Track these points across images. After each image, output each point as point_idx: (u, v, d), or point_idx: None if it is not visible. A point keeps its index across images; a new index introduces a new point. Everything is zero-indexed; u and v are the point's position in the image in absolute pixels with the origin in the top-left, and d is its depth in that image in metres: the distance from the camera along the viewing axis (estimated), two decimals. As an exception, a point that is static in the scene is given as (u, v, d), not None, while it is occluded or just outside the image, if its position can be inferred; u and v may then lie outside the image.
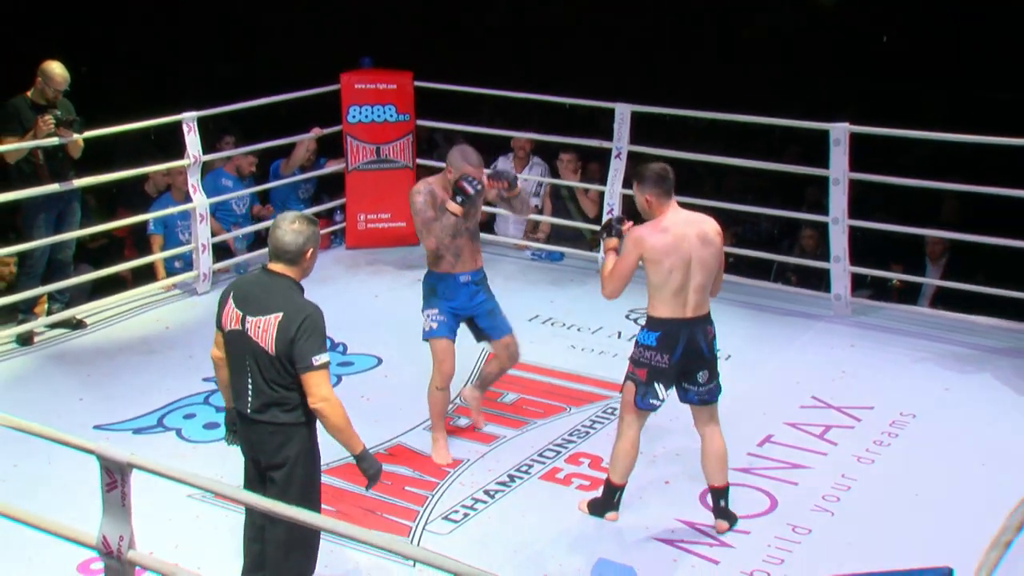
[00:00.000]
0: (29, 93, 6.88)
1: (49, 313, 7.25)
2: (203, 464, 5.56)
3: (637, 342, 5.08)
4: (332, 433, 4.04)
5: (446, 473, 5.52)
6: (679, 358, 4.98)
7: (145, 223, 8.11)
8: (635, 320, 7.52)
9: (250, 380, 3.98)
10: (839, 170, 7.40)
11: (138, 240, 8.47)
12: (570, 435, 5.93)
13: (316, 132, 8.67)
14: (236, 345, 4.01)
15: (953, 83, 12.25)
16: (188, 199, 7.82)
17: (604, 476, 5.47)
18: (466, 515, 5.17)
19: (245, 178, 8.58)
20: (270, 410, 3.98)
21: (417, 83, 8.85)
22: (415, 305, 7.09)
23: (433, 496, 5.32)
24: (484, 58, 12.89)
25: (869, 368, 6.78)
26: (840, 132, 7.36)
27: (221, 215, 8.52)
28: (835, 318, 7.54)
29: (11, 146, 6.75)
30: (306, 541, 4.13)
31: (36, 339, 7.06)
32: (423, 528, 5.04)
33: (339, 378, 6.55)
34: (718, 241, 4.99)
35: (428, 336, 5.64)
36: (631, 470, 5.15)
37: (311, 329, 3.92)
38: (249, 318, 3.95)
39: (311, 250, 4.04)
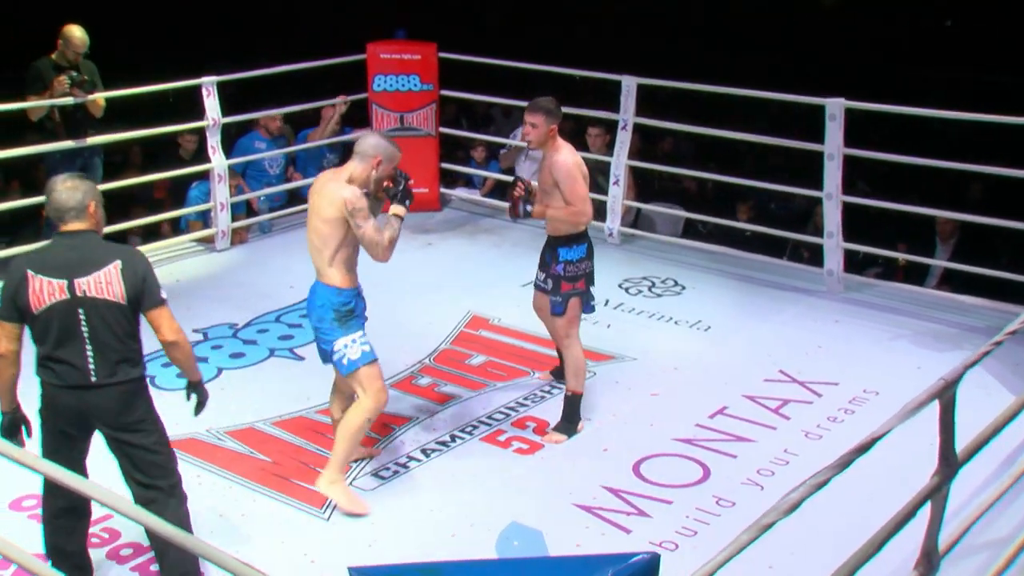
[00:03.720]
0: (53, 55, 6.82)
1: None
2: (163, 410, 5.38)
3: (569, 261, 5.18)
4: (182, 361, 3.84)
5: (390, 430, 5.26)
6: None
7: (185, 188, 8.05)
8: (627, 289, 7.15)
9: (89, 346, 3.63)
10: (834, 145, 6.87)
11: (176, 200, 8.40)
12: (525, 398, 5.61)
13: (343, 99, 8.46)
14: (63, 317, 3.60)
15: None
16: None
17: (542, 439, 5.19)
18: (396, 472, 4.90)
19: (275, 138, 8.40)
20: (120, 368, 3.67)
21: (441, 54, 8.53)
22: (420, 267, 6.67)
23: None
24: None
25: (846, 344, 6.29)
26: (835, 107, 6.82)
27: (254, 175, 8.39)
28: (826, 294, 7.03)
29: (30, 103, 6.71)
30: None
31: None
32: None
33: (321, 334, 6.34)
34: None
35: (363, 363, 4.54)
36: None
37: (150, 267, 3.75)
38: (80, 280, 3.60)
39: (93, 203, 3.71)
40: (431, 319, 6.54)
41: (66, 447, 3.75)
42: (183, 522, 3.79)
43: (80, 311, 3.61)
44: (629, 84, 7.67)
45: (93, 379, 3.65)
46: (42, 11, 8.81)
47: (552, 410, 5.47)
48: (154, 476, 3.79)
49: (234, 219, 7.88)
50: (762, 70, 10.76)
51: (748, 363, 6.02)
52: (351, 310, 4.56)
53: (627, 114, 7.71)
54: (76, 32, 6.74)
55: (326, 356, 4.65)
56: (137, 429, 3.75)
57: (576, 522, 4.51)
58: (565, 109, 8.41)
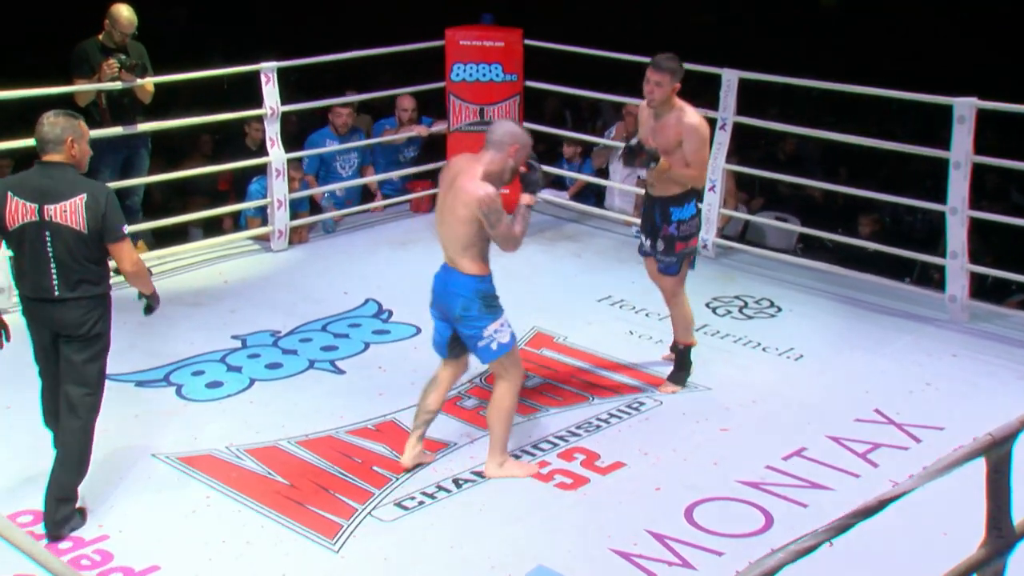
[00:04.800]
0: (100, 36, 6.99)
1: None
2: (183, 423, 5.49)
3: (682, 220, 5.58)
4: (139, 283, 4.67)
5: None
6: None
7: (247, 178, 8.17)
8: (714, 309, 6.94)
9: (54, 265, 4.39)
10: (961, 152, 6.54)
11: (239, 194, 8.54)
12: (578, 427, 5.48)
13: (424, 129, 8.46)
14: (32, 236, 4.39)
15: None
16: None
17: (589, 474, 5.06)
18: (421, 503, 4.83)
19: (346, 136, 8.44)
20: (80, 286, 4.43)
21: (528, 42, 8.45)
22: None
23: (398, 479, 5.00)
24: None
25: (961, 383, 5.97)
26: (965, 108, 6.50)
27: (324, 177, 8.47)
28: (948, 323, 6.70)
29: (78, 87, 6.89)
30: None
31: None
32: (368, 513, 4.74)
33: (367, 345, 6.35)
34: None
35: (513, 344, 4.92)
36: None
37: (115, 204, 4.48)
38: (49, 206, 4.36)
39: (71, 138, 4.42)
40: (490, 334, 6.46)
41: (46, 353, 4.58)
42: (82, 442, 4.57)
43: (47, 233, 4.39)
44: (730, 78, 7.47)
45: (56, 293, 4.42)
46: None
47: (603, 441, 5.35)
48: (82, 390, 4.52)
49: (297, 216, 7.97)
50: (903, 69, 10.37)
51: (839, 399, 5.77)
52: (495, 295, 4.88)
53: (727, 112, 7.51)
54: (124, 12, 6.90)
55: (452, 343, 4.97)
56: (91, 342, 4.50)
57: (610, 570, 4.37)
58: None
